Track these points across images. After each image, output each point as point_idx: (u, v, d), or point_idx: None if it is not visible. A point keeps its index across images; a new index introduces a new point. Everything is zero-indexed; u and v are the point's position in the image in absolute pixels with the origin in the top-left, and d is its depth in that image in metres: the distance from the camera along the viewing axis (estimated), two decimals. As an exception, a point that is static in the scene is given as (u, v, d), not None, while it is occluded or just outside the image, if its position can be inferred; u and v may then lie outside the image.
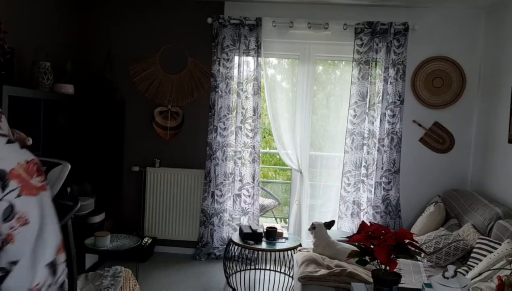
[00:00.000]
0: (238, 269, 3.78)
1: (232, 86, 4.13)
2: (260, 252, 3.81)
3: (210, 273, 3.85)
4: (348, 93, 4.05)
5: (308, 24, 4.01)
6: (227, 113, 4.12)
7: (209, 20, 4.10)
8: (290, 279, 3.57)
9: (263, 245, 3.44)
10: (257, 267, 3.91)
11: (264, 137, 5.80)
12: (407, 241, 1.76)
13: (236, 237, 3.55)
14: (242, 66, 4.09)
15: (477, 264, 2.75)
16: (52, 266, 0.91)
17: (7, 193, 0.84)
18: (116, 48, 4.23)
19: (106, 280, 2.42)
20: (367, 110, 4.01)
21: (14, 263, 0.86)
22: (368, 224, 1.88)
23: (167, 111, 4.22)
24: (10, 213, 0.85)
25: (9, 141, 0.90)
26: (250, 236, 3.45)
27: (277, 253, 3.68)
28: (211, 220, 4.17)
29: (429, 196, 4.05)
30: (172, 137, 4.26)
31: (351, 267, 2.83)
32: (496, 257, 2.58)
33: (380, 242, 1.71)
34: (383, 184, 4.02)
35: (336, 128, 4.26)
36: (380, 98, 4.00)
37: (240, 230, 3.58)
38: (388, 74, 3.99)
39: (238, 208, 4.19)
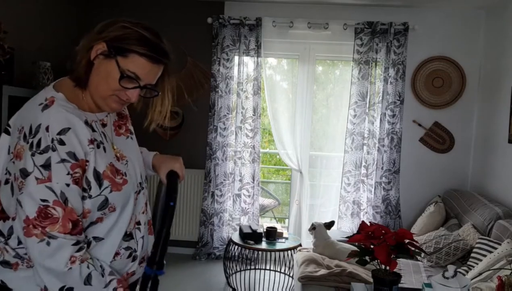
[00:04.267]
0: (238, 269, 3.78)
1: (232, 86, 4.13)
2: (260, 252, 3.81)
3: (210, 273, 3.85)
4: (348, 93, 4.05)
5: (308, 24, 4.01)
6: (227, 113, 4.12)
7: (209, 20, 4.09)
8: (290, 279, 3.57)
9: (263, 245, 3.44)
10: (257, 267, 3.91)
11: (264, 137, 5.80)
12: (407, 241, 1.76)
13: (236, 237, 3.55)
14: (242, 66, 4.09)
15: (477, 264, 2.75)
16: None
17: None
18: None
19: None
20: (367, 110, 4.01)
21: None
22: (368, 224, 1.87)
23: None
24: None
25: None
26: (250, 236, 3.45)
27: (277, 253, 3.68)
28: (211, 220, 4.17)
29: (429, 196, 4.05)
30: (172, 138, 4.26)
31: (351, 267, 2.83)
32: (496, 257, 2.58)
33: (380, 242, 1.71)
34: (383, 184, 4.02)
35: (336, 128, 4.25)
36: (380, 98, 4.00)
37: (240, 230, 3.58)
38: (388, 74, 3.99)
39: (238, 208, 4.19)
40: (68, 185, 1.03)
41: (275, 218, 5.20)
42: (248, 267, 3.88)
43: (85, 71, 1.11)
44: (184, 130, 4.26)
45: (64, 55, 3.91)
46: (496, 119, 3.64)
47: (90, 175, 1.09)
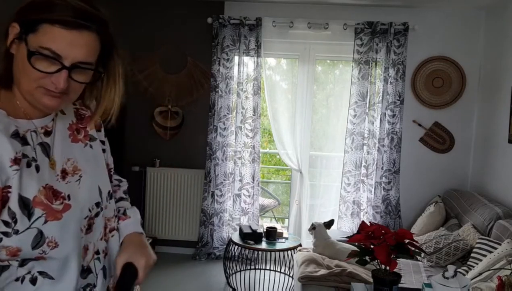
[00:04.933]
0: (238, 269, 3.78)
1: (232, 86, 4.13)
2: (260, 252, 3.81)
3: (210, 273, 3.85)
4: (348, 93, 4.05)
5: (308, 24, 4.01)
6: (227, 113, 4.12)
7: (209, 20, 4.09)
8: (290, 279, 3.57)
9: (263, 245, 3.44)
10: (257, 267, 3.91)
11: (263, 137, 5.80)
12: (407, 241, 1.76)
13: (236, 237, 3.55)
14: (242, 66, 4.09)
15: (477, 264, 2.75)
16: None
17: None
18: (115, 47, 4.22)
19: (106, 280, 2.41)
20: (367, 110, 4.01)
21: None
22: (368, 224, 1.87)
23: (167, 111, 4.22)
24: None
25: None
26: (250, 236, 3.45)
27: (277, 253, 3.68)
28: (211, 220, 4.17)
29: (429, 196, 4.05)
30: (172, 137, 4.26)
31: (351, 267, 2.83)
32: (496, 257, 2.58)
33: (380, 242, 1.71)
34: (383, 184, 4.02)
35: (336, 128, 4.26)
36: (380, 98, 4.00)
37: (240, 230, 3.58)
38: (388, 74, 3.99)
39: (238, 208, 4.19)
40: None
41: (275, 218, 5.20)
42: (248, 267, 3.88)
43: (5, 66, 0.88)
44: (184, 130, 4.26)
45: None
46: (496, 119, 3.64)
47: (13, 205, 0.83)
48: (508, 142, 3.41)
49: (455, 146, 4.08)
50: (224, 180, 4.17)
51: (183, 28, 4.20)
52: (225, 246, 3.91)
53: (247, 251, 3.74)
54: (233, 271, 3.71)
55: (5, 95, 0.90)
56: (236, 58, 4.12)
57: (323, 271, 2.77)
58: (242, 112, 4.12)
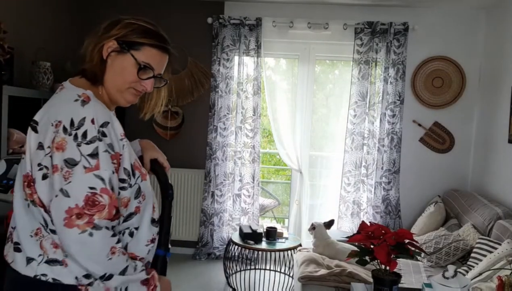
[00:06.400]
0: (238, 269, 3.78)
1: (232, 86, 4.13)
2: (260, 252, 3.81)
3: (210, 273, 3.85)
4: (348, 93, 4.05)
5: (308, 24, 4.01)
6: (227, 113, 4.12)
7: (209, 20, 4.10)
8: (290, 279, 3.57)
9: (263, 245, 3.44)
10: (257, 267, 3.91)
11: (263, 137, 5.80)
12: (407, 241, 1.76)
13: (236, 237, 3.55)
14: (242, 66, 4.09)
15: (477, 264, 2.75)
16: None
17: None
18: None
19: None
20: (367, 110, 4.01)
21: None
22: (368, 224, 1.87)
23: (167, 111, 4.23)
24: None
25: None
26: (250, 236, 3.45)
27: (277, 253, 3.68)
28: (211, 220, 4.17)
29: (429, 196, 4.05)
30: (172, 137, 4.26)
31: (351, 267, 2.83)
32: (496, 257, 2.58)
33: (380, 242, 1.71)
34: (383, 184, 4.02)
35: (336, 128, 4.26)
36: (380, 98, 4.00)
37: (240, 230, 3.58)
38: (388, 74, 3.99)
39: (238, 208, 4.19)
40: (113, 173, 1.11)
41: (275, 218, 5.20)
42: (248, 267, 3.88)
43: (100, 69, 1.18)
44: (184, 130, 4.26)
45: (64, 55, 3.92)
46: (496, 119, 3.64)
47: (128, 165, 1.17)
48: (508, 142, 3.41)
49: (455, 145, 4.08)
50: (224, 180, 4.17)
51: (183, 28, 4.20)
52: (225, 246, 3.91)
53: (247, 251, 3.74)
54: (233, 271, 3.71)
55: (95, 90, 1.19)
56: (236, 58, 4.12)
57: (323, 271, 2.77)
58: (242, 112, 4.12)
